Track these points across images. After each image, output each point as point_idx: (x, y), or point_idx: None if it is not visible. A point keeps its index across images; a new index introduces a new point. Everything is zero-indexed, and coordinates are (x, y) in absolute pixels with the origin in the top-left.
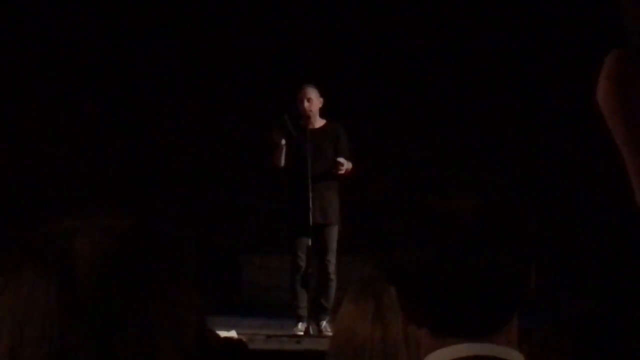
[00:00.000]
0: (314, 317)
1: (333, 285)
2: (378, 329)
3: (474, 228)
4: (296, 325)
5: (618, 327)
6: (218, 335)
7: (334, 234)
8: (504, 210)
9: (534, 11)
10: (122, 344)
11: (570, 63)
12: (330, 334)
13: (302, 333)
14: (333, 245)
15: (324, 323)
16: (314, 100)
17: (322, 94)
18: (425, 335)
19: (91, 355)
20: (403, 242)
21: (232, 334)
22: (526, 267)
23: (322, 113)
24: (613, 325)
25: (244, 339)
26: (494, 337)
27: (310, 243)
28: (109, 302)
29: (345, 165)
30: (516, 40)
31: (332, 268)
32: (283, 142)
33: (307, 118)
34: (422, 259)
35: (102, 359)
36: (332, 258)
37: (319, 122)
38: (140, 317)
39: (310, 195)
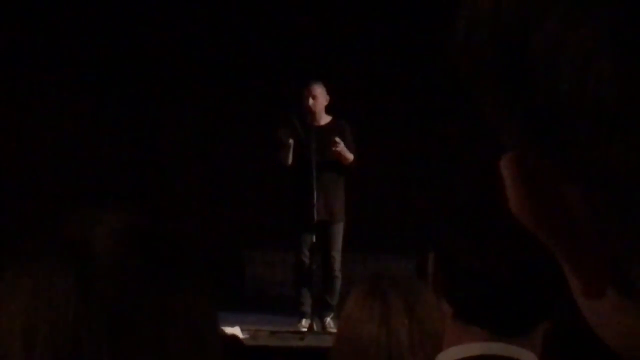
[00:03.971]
0: (318, 313)
1: (338, 282)
2: (383, 333)
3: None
4: (300, 321)
5: None
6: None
7: (339, 231)
8: None
9: None
10: (136, 332)
11: None
12: (334, 330)
13: (305, 329)
14: (338, 242)
15: (328, 319)
16: (319, 98)
17: (329, 92)
18: (447, 318)
19: (105, 341)
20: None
21: (236, 330)
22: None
23: (329, 110)
24: None
25: (241, 336)
26: (518, 337)
27: (314, 239)
28: (125, 290)
29: (342, 146)
30: None
31: (337, 265)
32: (291, 141)
33: (313, 115)
34: (470, 241)
35: (116, 345)
36: (336, 255)
37: (324, 119)
38: (155, 306)
39: (315, 191)
